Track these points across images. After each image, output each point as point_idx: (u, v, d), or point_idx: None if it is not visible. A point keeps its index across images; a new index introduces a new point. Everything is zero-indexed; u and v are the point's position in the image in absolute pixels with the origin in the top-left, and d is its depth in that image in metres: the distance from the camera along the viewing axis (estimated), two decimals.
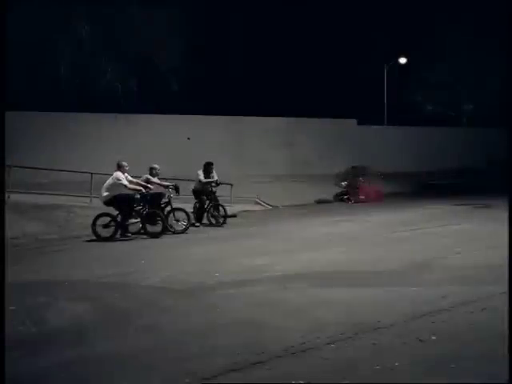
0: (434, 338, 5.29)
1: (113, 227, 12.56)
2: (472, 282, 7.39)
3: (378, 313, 6.12)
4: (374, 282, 7.66)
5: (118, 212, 12.68)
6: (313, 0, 30.22)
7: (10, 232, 12.98)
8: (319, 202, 20.47)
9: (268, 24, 28.77)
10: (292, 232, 13.24)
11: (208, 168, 15.06)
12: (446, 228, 12.87)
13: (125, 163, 12.93)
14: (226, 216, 14.87)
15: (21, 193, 16.08)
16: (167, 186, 13.74)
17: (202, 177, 14.91)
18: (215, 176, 15.09)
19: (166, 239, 12.53)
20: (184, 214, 13.59)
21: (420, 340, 5.25)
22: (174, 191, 13.68)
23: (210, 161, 15.21)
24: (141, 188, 12.80)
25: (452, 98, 31.19)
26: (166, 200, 13.53)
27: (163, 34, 22.51)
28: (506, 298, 6.43)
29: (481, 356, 4.83)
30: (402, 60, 31.02)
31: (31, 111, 19.67)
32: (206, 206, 14.83)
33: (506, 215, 11.71)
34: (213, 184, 14.96)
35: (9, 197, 15.58)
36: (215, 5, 27.30)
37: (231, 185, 17.85)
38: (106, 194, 12.70)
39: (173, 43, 22.60)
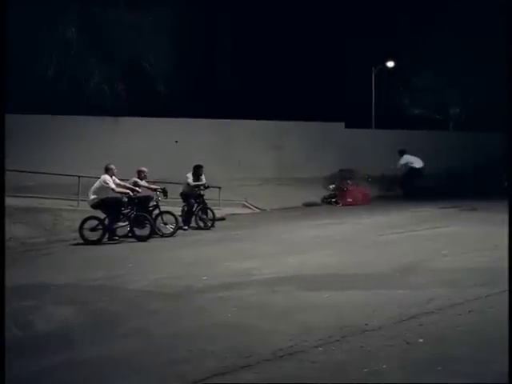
0: (421, 340, 5.32)
1: (100, 230, 12.51)
2: (459, 285, 7.43)
3: (365, 316, 6.15)
4: (362, 285, 7.69)
5: (105, 215, 12.63)
6: (300, 4, 30.28)
7: None
8: (307, 205, 20.49)
9: (256, 27, 28.79)
10: (280, 235, 13.24)
11: (197, 171, 15.06)
12: (433, 231, 12.93)
13: (112, 166, 12.91)
14: (214, 219, 14.86)
15: (7, 196, 15.94)
16: (155, 189, 13.72)
17: (190, 180, 14.91)
18: (204, 179, 15.09)
19: (154, 242, 12.50)
20: (172, 217, 13.57)
21: (407, 343, 5.27)
22: (162, 194, 13.66)
23: (200, 164, 15.20)
24: (128, 191, 12.78)
25: (439, 101, 31.35)
26: (154, 203, 13.51)
27: (151, 37, 22.47)
28: (493, 300, 6.52)
29: (468, 358, 4.86)
30: (390, 63, 31.17)
31: (17, 114, 19.51)
32: (194, 209, 14.82)
33: (493, 217, 11.82)
34: (201, 187, 14.96)
35: None
36: (204, 8, 27.31)
37: (219, 188, 17.84)
38: (93, 197, 12.66)
39: (161, 46, 22.56)
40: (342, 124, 26.94)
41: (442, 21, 28.75)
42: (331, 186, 21.88)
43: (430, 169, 26.49)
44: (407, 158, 23.06)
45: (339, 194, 21.30)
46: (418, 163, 23.00)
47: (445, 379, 4.47)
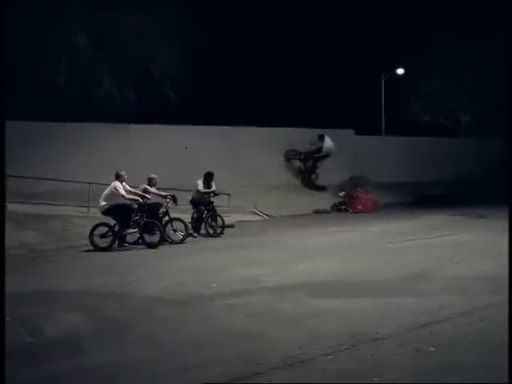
0: (432, 349, 5.26)
1: (110, 237, 12.53)
2: (470, 293, 7.37)
3: (376, 323, 6.10)
4: (372, 293, 7.64)
5: (115, 222, 12.66)
6: (310, 10, 30.32)
7: (6, 242, 12.94)
8: (317, 212, 20.47)
9: (265, 34, 28.82)
10: (290, 242, 13.22)
11: (208, 178, 15.07)
12: (443, 238, 12.86)
13: (123, 173, 12.95)
14: (223, 226, 14.86)
15: (17, 202, 16.02)
16: (165, 196, 13.73)
17: (201, 187, 14.93)
18: (214, 186, 15.11)
19: (164, 249, 12.50)
20: (182, 224, 13.57)
21: (418, 351, 5.22)
22: (172, 201, 13.67)
23: (211, 171, 15.21)
24: (138, 198, 12.80)
25: (449, 108, 31.27)
26: (164, 210, 13.52)
27: (161, 44, 22.57)
28: (504, 308, 6.45)
29: (480, 367, 4.81)
30: (400, 70, 31.13)
31: (28, 121, 19.64)
32: (203, 216, 14.82)
33: (503, 225, 11.73)
34: (211, 194, 14.97)
35: (5, 206, 15.54)
36: (213, 14, 27.40)
37: (229, 195, 17.84)
38: (103, 203, 12.70)
39: (170, 53, 22.64)
40: (352, 131, 26.92)
41: (453, 27, 28.71)
42: (341, 193, 21.85)
43: (440, 175, 26.42)
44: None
45: (349, 201, 21.27)
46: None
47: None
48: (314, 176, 24.25)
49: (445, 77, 30.05)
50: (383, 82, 30.81)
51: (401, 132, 29.06)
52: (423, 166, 27.07)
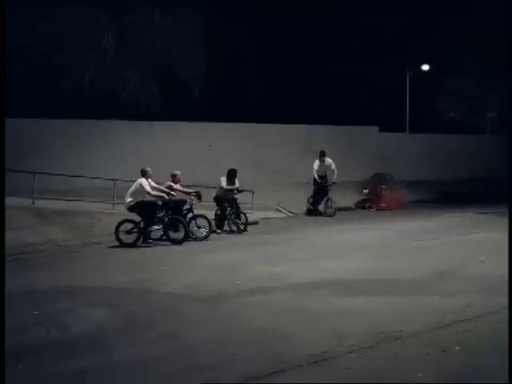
0: (458, 348, 5.21)
1: (135, 233, 12.63)
2: (496, 292, 7.26)
3: (400, 322, 6.06)
4: (397, 291, 7.59)
5: (140, 218, 12.76)
6: (334, 6, 30.12)
7: (32, 238, 13.15)
8: (340, 209, 20.35)
9: (288, 30, 28.74)
10: (314, 239, 13.18)
11: (231, 175, 15.11)
12: (468, 236, 12.72)
13: (149, 169, 13.05)
14: (247, 223, 14.86)
15: (44, 199, 16.25)
16: (189, 193, 13.79)
17: (224, 183, 14.97)
18: (237, 183, 15.13)
19: (188, 246, 12.55)
20: (205, 220, 13.61)
21: (443, 350, 5.17)
22: (196, 198, 13.72)
23: (234, 168, 15.25)
24: (163, 195, 12.88)
25: (475, 105, 30.87)
26: (188, 207, 13.58)
27: (184, 42, 22.64)
28: None
29: (506, 368, 4.74)
30: (425, 67, 30.79)
31: (57, 119, 19.89)
32: (227, 212, 14.85)
33: None
34: (234, 191, 14.99)
35: (33, 202, 15.78)
36: (235, 12, 27.37)
37: (253, 192, 17.84)
38: (129, 199, 12.81)
39: (194, 51, 22.70)
40: (376, 128, 26.74)
41: (477, 23, 28.33)
42: (365, 191, 21.70)
43: (465, 173, 26.10)
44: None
45: (373, 198, 21.12)
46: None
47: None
48: None
49: (471, 74, 29.65)
50: (408, 78, 30.52)
51: (426, 129, 28.78)
52: (448, 163, 26.76)
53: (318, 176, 18.50)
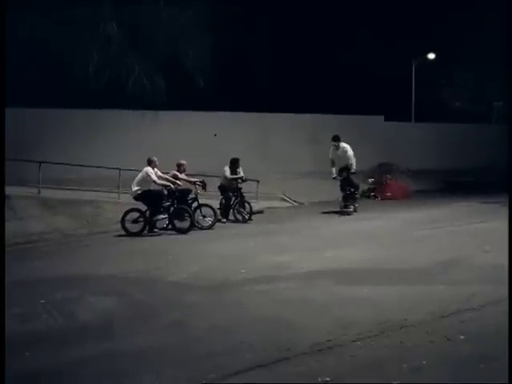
0: (462, 337, 5.23)
1: (141, 223, 12.70)
2: (501, 282, 7.25)
3: (404, 311, 6.08)
4: (401, 280, 7.61)
5: (146, 207, 12.81)
6: None
7: (39, 227, 13.23)
8: None
9: (294, 20, 28.58)
10: (318, 229, 13.20)
11: (234, 164, 15.12)
12: (473, 226, 12.70)
13: (155, 158, 13.11)
14: (251, 212, 14.89)
15: (50, 188, 16.32)
16: (194, 182, 13.82)
17: (228, 173, 14.99)
18: (241, 172, 15.15)
19: (193, 235, 12.61)
20: (211, 210, 13.66)
21: (448, 339, 5.19)
22: (201, 187, 13.76)
23: (236, 157, 15.27)
24: (169, 184, 12.94)
25: (481, 94, 30.73)
26: (193, 196, 13.62)
27: (190, 31, 22.59)
28: None
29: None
30: (431, 55, 30.63)
31: (62, 109, 19.92)
32: (231, 202, 14.89)
33: None
34: (239, 180, 15.01)
35: (39, 192, 15.85)
36: (241, 1, 27.24)
37: (257, 181, 17.86)
38: (135, 188, 12.87)
39: (199, 40, 22.65)
40: (382, 117, 26.67)
41: (484, 11, 28.14)
42: (370, 180, 21.68)
43: (471, 162, 26.02)
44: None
45: (378, 188, 21.11)
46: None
47: (488, 378, 4.40)
48: None
49: (477, 62, 29.48)
50: (414, 67, 30.37)
51: (431, 118, 28.68)
52: (454, 152, 26.67)
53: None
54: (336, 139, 16.19)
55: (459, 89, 30.26)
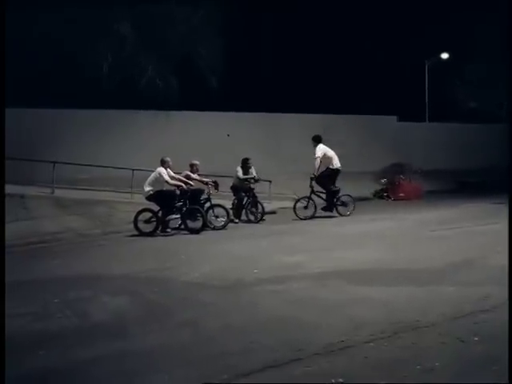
0: (475, 338, 5.19)
1: (154, 223, 12.75)
2: None
3: (417, 312, 6.06)
4: (414, 281, 7.57)
5: (159, 208, 12.86)
6: None
7: (52, 227, 13.32)
8: (358, 199, 20.28)
9: (306, 20, 28.61)
10: (330, 229, 13.18)
11: (245, 164, 15.14)
12: (486, 227, 12.60)
13: (168, 159, 13.18)
14: (263, 213, 14.90)
15: (64, 188, 16.43)
16: (207, 183, 13.86)
17: (240, 173, 15.01)
18: (254, 172, 15.16)
19: (206, 235, 12.64)
20: (223, 210, 13.68)
21: (461, 340, 5.16)
22: (214, 187, 13.79)
23: (247, 157, 15.28)
24: (182, 184, 12.98)
25: (495, 94, 30.54)
26: (206, 196, 13.65)
27: (202, 32, 22.66)
28: None
29: None
30: (444, 55, 30.50)
31: (75, 109, 20.06)
32: (244, 202, 14.90)
33: None
34: (251, 180, 15.03)
35: (53, 192, 15.96)
36: (253, 2, 27.25)
37: (270, 181, 17.86)
38: (148, 188, 12.93)
39: (212, 40, 22.72)
40: (395, 117, 26.60)
41: (496, 11, 27.95)
42: (383, 181, 21.62)
43: (484, 162, 25.86)
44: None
45: (391, 188, 21.05)
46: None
47: (501, 379, 4.37)
48: None
49: (492, 62, 29.29)
50: (427, 67, 30.25)
51: (445, 118, 28.55)
52: (467, 152, 26.56)
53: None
54: (316, 139, 16.07)
55: (473, 89, 30.07)
